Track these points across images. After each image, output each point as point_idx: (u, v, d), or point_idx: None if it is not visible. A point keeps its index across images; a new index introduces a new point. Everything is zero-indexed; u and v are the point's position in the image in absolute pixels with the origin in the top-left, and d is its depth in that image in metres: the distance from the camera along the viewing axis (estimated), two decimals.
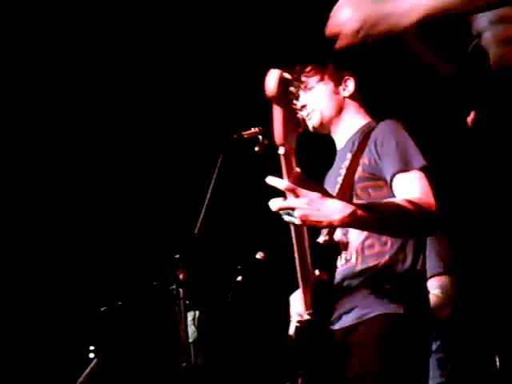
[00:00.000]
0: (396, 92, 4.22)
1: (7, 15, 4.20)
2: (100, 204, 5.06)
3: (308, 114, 2.60)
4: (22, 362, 4.88)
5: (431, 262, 2.86)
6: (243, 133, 2.91)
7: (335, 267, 2.28)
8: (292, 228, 2.08)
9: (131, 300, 3.55)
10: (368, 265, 2.33)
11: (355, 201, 2.26)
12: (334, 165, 2.59)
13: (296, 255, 2.13)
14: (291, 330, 2.36)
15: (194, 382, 3.04)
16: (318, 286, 2.21)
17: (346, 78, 2.61)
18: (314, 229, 2.12)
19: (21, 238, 5.00)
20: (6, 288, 4.92)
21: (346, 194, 2.31)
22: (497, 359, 3.56)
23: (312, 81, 2.61)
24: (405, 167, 2.28)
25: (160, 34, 4.41)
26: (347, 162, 2.41)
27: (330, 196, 1.98)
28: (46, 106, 4.74)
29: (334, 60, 2.58)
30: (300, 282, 2.22)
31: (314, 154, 2.92)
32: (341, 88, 2.60)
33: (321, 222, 1.93)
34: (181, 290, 3.02)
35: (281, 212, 1.93)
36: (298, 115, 1.95)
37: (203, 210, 2.83)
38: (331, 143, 2.66)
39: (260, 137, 2.87)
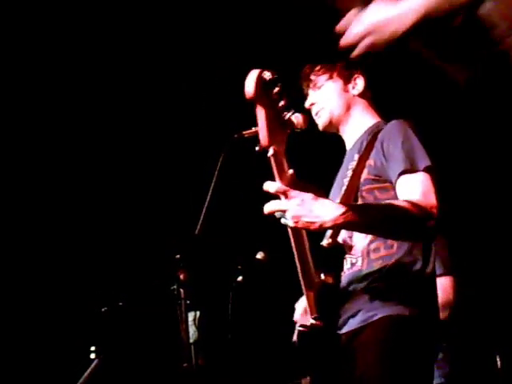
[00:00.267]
0: (406, 90, 4.22)
1: (7, 15, 4.19)
2: (101, 205, 5.06)
3: (317, 113, 2.58)
4: (24, 362, 4.88)
5: None
6: (244, 132, 2.91)
7: (340, 270, 2.25)
8: (289, 231, 2.02)
9: (132, 300, 3.54)
10: (374, 268, 2.29)
11: (359, 203, 2.25)
12: (343, 165, 2.56)
13: (296, 258, 2.08)
14: (295, 336, 2.32)
15: (194, 382, 3.04)
16: (323, 290, 2.17)
17: (356, 76, 2.58)
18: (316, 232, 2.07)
19: (22, 239, 5.00)
20: (8, 289, 4.93)
21: (351, 195, 2.31)
22: (498, 359, 3.57)
23: (321, 79, 2.59)
24: (409, 168, 2.24)
25: (160, 35, 4.41)
26: (354, 164, 2.40)
27: (323, 197, 1.97)
28: (46, 106, 4.74)
29: (343, 58, 2.52)
30: (302, 285, 2.16)
31: (324, 154, 2.90)
32: (350, 86, 2.58)
33: (313, 222, 1.92)
34: (181, 290, 3.01)
35: (276, 214, 1.91)
36: (286, 116, 1.90)
37: (204, 210, 2.82)
38: (341, 143, 2.63)
39: None
